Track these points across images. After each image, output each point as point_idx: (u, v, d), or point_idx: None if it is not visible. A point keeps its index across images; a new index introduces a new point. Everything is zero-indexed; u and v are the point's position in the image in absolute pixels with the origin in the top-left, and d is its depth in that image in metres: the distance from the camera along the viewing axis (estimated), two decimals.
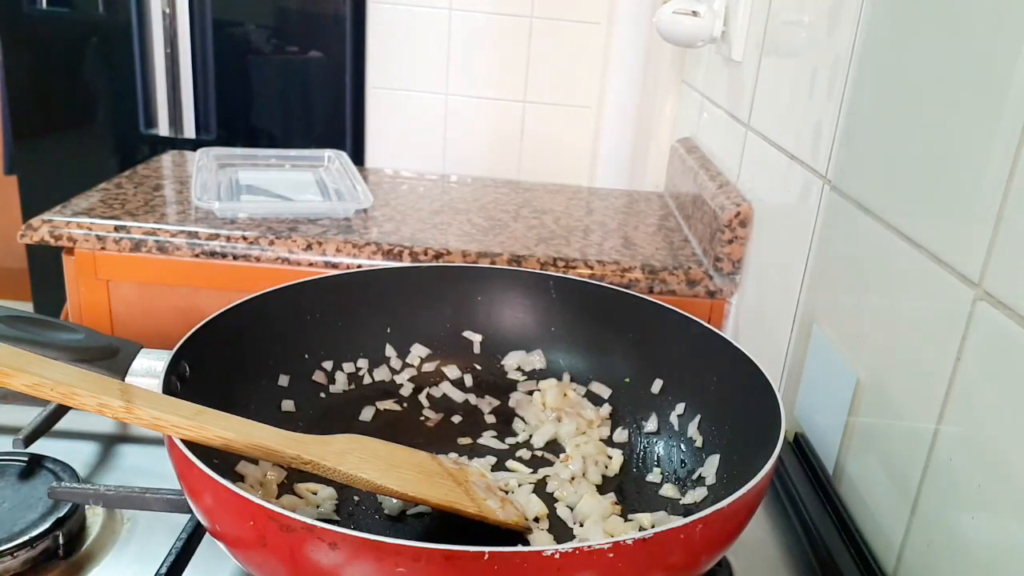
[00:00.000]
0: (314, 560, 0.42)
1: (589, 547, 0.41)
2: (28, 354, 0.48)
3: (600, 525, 0.59)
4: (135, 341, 0.66)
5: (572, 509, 0.62)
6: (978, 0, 0.52)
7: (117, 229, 1.06)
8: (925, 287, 0.55)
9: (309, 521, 0.41)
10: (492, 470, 0.66)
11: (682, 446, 0.67)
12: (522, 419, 0.73)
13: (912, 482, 0.54)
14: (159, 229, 1.07)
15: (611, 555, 0.42)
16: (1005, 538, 0.45)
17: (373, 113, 2.04)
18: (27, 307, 2.04)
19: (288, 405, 0.68)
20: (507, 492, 0.62)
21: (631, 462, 0.68)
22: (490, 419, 0.73)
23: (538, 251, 1.09)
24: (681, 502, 0.63)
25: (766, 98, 0.95)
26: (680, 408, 0.68)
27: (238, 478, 0.58)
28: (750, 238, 0.98)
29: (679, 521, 0.44)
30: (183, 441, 0.47)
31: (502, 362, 0.77)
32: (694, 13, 1.10)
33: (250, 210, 1.14)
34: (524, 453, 0.69)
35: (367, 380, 0.74)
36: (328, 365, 0.72)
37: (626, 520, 0.61)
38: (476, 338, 0.77)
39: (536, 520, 0.60)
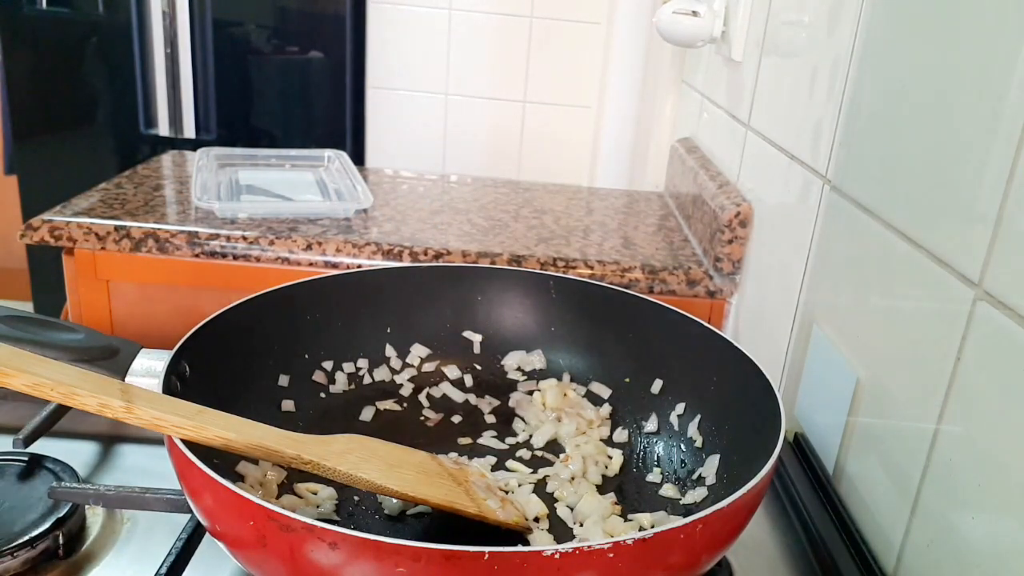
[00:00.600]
0: (314, 560, 0.42)
1: (589, 547, 0.41)
2: (28, 354, 0.48)
3: (600, 525, 0.59)
4: (135, 341, 0.66)
5: (572, 509, 0.62)
6: (978, 0, 0.52)
7: (117, 229, 1.06)
8: (925, 287, 0.55)
9: (309, 521, 0.41)
10: (492, 470, 0.66)
11: (682, 446, 0.67)
12: (522, 419, 0.73)
13: (912, 482, 0.54)
14: (159, 229, 1.07)
15: (611, 555, 0.42)
16: (1005, 538, 0.45)
17: (373, 113, 2.04)
18: (27, 307, 2.04)
19: (288, 405, 0.68)
20: (507, 492, 0.62)
21: (631, 462, 0.68)
22: (490, 419, 0.73)
23: (538, 251, 1.09)
24: (681, 502, 0.63)
25: (766, 98, 0.95)
26: (680, 408, 0.68)
27: (238, 478, 0.58)
28: (750, 238, 0.98)
29: (679, 521, 0.44)
30: (183, 441, 0.47)
31: (502, 362, 0.77)
32: (694, 13, 1.10)
33: (250, 210, 1.14)
34: (524, 453, 0.69)
35: (367, 380, 0.74)
36: (328, 365, 0.72)
37: (626, 520, 0.61)
38: (476, 338, 0.77)
39: (536, 520, 0.60)
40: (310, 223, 1.13)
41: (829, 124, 0.73)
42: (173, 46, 1.94)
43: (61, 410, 0.67)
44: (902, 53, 0.62)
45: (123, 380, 0.58)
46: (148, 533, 0.60)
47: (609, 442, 0.70)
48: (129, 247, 1.06)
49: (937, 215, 0.54)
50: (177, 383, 0.56)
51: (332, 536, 0.41)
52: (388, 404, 0.73)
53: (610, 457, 0.68)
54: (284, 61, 2.02)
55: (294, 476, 0.61)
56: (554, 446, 0.70)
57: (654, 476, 0.66)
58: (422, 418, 0.73)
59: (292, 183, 1.32)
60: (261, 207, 1.16)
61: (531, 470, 0.67)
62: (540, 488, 0.64)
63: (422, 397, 0.75)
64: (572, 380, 0.76)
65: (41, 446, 0.65)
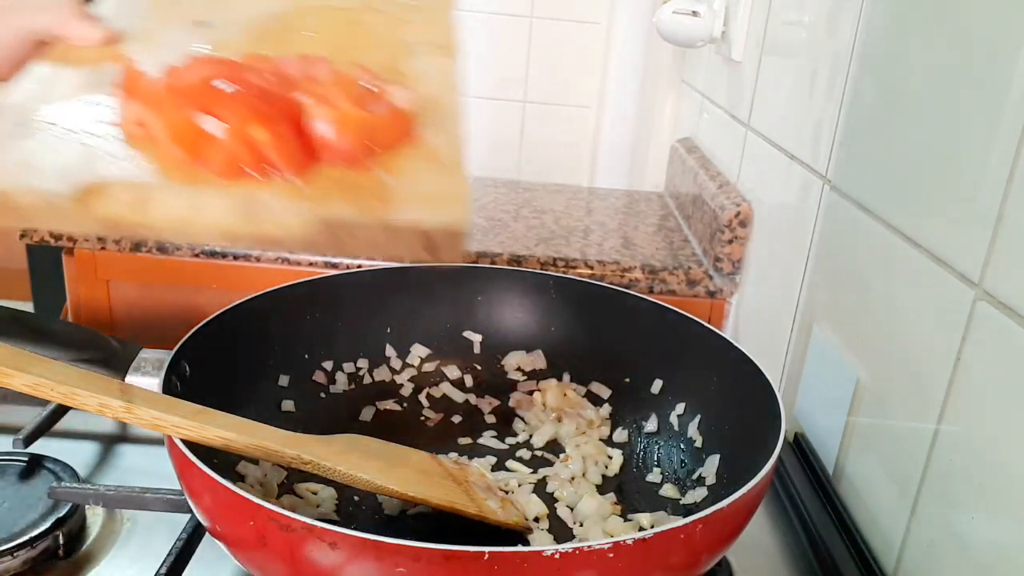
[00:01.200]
0: (314, 560, 0.42)
1: (589, 547, 0.41)
2: (28, 354, 0.48)
3: (600, 525, 0.59)
4: (135, 341, 0.66)
5: (572, 509, 0.62)
6: (978, 0, 0.52)
7: None
8: (925, 287, 0.55)
9: (309, 521, 0.41)
10: (492, 470, 0.66)
11: (682, 446, 0.67)
12: (522, 419, 0.73)
13: (912, 482, 0.54)
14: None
15: (611, 555, 0.42)
16: (1005, 538, 0.45)
17: None
18: (27, 307, 2.04)
19: (288, 405, 0.68)
20: (507, 492, 0.62)
21: (631, 462, 0.68)
22: (490, 419, 0.73)
23: (538, 251, 1.09)
24: (681, 502, 0.63)
25: (766, 98, 0.95)
26: (680, 408, 0.68)
27: (238, 478, 0.58)
28: (750, 238, 0.98)
29: (679, 521, 0.44)
30: (183, 441, 0.48)
31: (502, 362, 0.77)
32: (694, 13, 1.10)
33: None
34: (524, 453, 0.69)
35: (367, 380, 0.74)
36: (328, 365, 0.72)
37: (626, 520, 0.61)
38: (476, 338, 0.77)
39: (536, 520, 0.60)
40: None
41: (829, 124, 0.73)
42: None
43: (61, 410, 0.67)
44: (902, 53, 0.62)
45: (123, 380, 0.58)
46: (148, 533, 0.60)
47: (609, 442, 0.70)
48: (129, 247, 1.06)
49: (937, 215, 0.54)
50: (177, 383, 0.56)
51: (332, 536, 0.41)
52: (388, 404, 0.73)
53: (610, 457, 0.68)
54: None
55: (294, 476, 0.61)
56: (554, 446, 0.70)
57: (654, 476, 0.66)
58: (422, 418, 0.73)
59: None
60: None
61: (531, 470, 0.67)
62: (540, 488, 0.64)
63: (422, 397, 0.75)
64: (572, 380, 0.76)
65: (41, 446, 0.65)
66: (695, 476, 0.64)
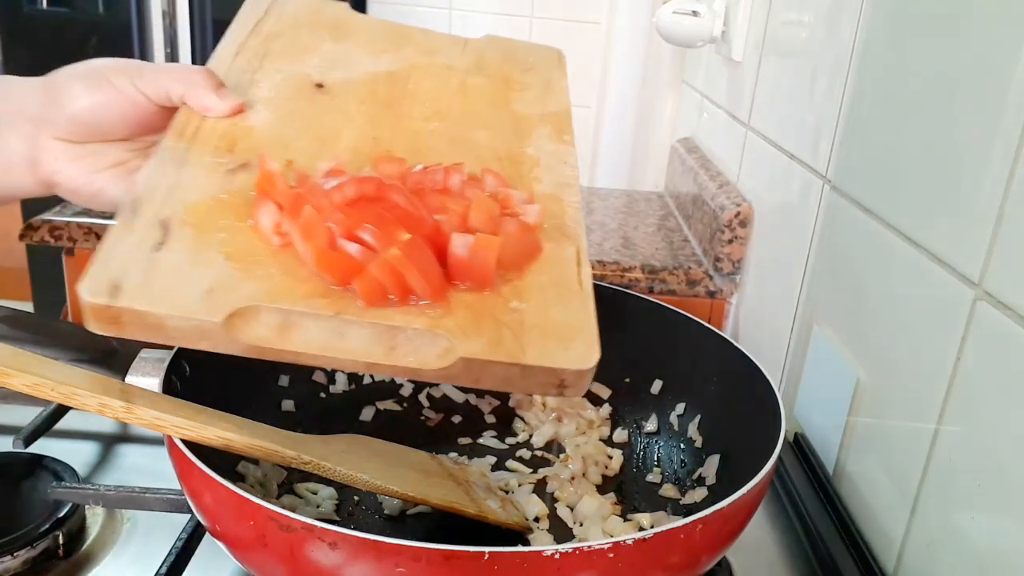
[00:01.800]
0: (314, 560, 0.42)
1: (589, 547, 0.41)
2: (28, 354, 0.48)
3: (600, 525, 0.59)
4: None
5: (572, 509, 0.62)
6: (978, 0, 0.52)
7: None
8: (925, 287, 0.55)
9: (309, 521, 0.41)
10: (492, 470, 0.66)
11: (682, 446, 0.67)
12: (522, 419, 0.73)
13: (912, 482, 0.54)
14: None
15: (611, 555, 0.42)
16: (1005, 538, 0.45)
17: None
18: (27, 307, 2.04)
19: (288, 405, 0.68)
20: (507, 492, 0.62)
21: (631, 462, 0.68)
22: (490, 419, 0.73)
23: None
24: (681, 502, 0.63)
25: (766, 98, 0.95)
26: (680, 408, 0.68)
27: (238, 478, 0.59)
28: (750, 238, 0.98)
29: (679, 521, 0.44)
30: (183, 441, 0.47)
31: None
32: (694, 13, 1.10)
33: None
34: (524, 453, 0.69)
35: (367, 380, 0.74)
36: None
37: (626, 520, 0.61)
38: None
39: (536, 520, 0.60)
40: None
41: (829, 124, 0.73)
42: (173, 46, 1.94)
43: (61, 410, 0.67)
44: (902, 53, 0.62)
45: (123, 380, 0.58)
46: (148, 533, 0.60)
47: (609, 442, 0.70)
48: None
49: (937, 215, 0.54)
50: (177, 383, 0.56)
51: (332, 536, 0.41)
52: (388, 404, 0.73)
53: (610, 457, 0.68)
54: None
55: (294, 476, 0.61)
56: (554, 446, 0.70)
57: (654, 476, 0.66)
58: (422, 418, 0.73)
59: None
60: None
61: (531, 470, 0.67)
62: (540, 488, 0.64)
63: (422, 397, 0.75)
64: None
65: (41, 446, 0.65)
66: (695, 476, 0.64)
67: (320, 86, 0.58)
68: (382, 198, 0.48)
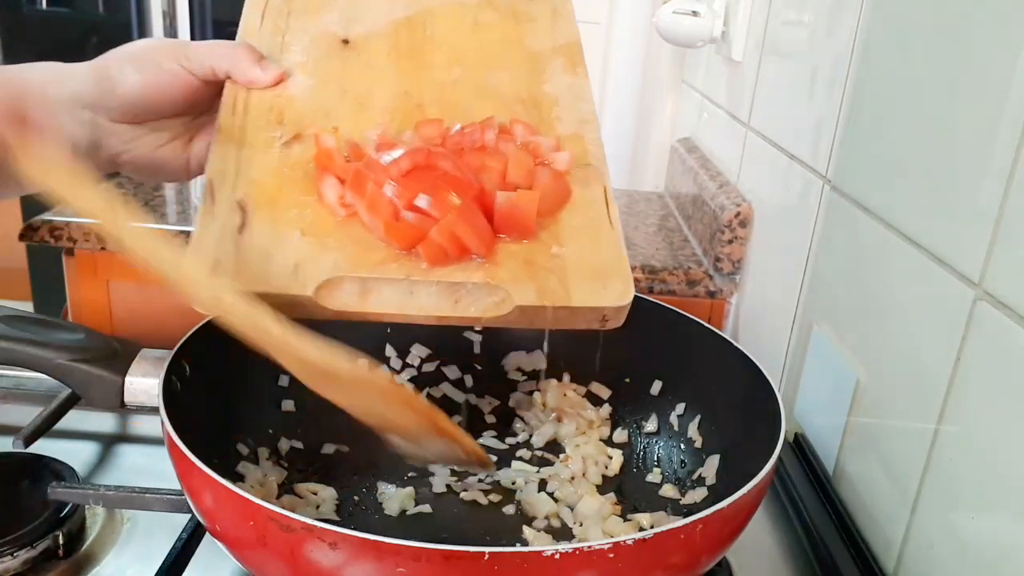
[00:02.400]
0: (314, 560, 0.42)
1: (589, 547, 0.41)
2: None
3: (600, 525, 0.59)
4: (135, 341, 0.66)
5: (572, 509, 0.62)
6: (978, 0, 0.52)
7: None
8: (925, 287, 0.55)
9: (309, 521, 0.41)
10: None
11: (682, 446, 0.67)
12: (522, 419, 0.73)
13: (912, 482, 0.54)
14: (159, 229, 1.07)
15: (611, 555, 0.42)
16: (1005, 538, 0.45)
17: None
18: (27, 307, 2.04)
19: (288, 405, 0.68)
20: (514, 490, 0.63)
21: (631, 462, 0.68)
22: (490, 419, 0.73)
23: None
24: (681, 502, 0.63)
25: (766, 98, 0.95)
26: (680, 408, 0.68)
27: (238, 478, 0.58)
28: (750, 238, 0.98)
29: (679, 521, 0.44)
30: (182, 440, 0.47)
31: (502, 362, 0.77)
32: (694, 13, 1.10)
33: None
34: (524, 453, 0.69)
35: None
36: None
37: (626, 520, 0.61)
38: (476, 338, 0.77)
39: (546, 519, 0.61)
40: None
41: (829, 124, 0.73)
42: None
43: (61, 410, 0.67)
44: (902, 53, 0.62)
45: (123, 380, 0.58)
46: (148, 533, 0.60)
47: (609, 442, 0.70)
48: None
49: (937, 215, 0.54)
50: (177, 383, 0.56)
51: (332, 536, 0.41)
52: None
53: (610, 457, 0.68)
54: None
55: (294, 476, 0.61)
56: (554, 446, 0.70)
57: (654, 476, 0.66)
58: None
59: None
60: None
61: (534, 469, 0.67)
62: (540, 488, 0.64)
63: (422, 397, 0.74)
64: (572, 380, 0.75)
65: (41, 446, 0.64)
66: (695, 476, 0.64)
67: (346, 42, 0.61)
68: (432, 166, 0.52)
